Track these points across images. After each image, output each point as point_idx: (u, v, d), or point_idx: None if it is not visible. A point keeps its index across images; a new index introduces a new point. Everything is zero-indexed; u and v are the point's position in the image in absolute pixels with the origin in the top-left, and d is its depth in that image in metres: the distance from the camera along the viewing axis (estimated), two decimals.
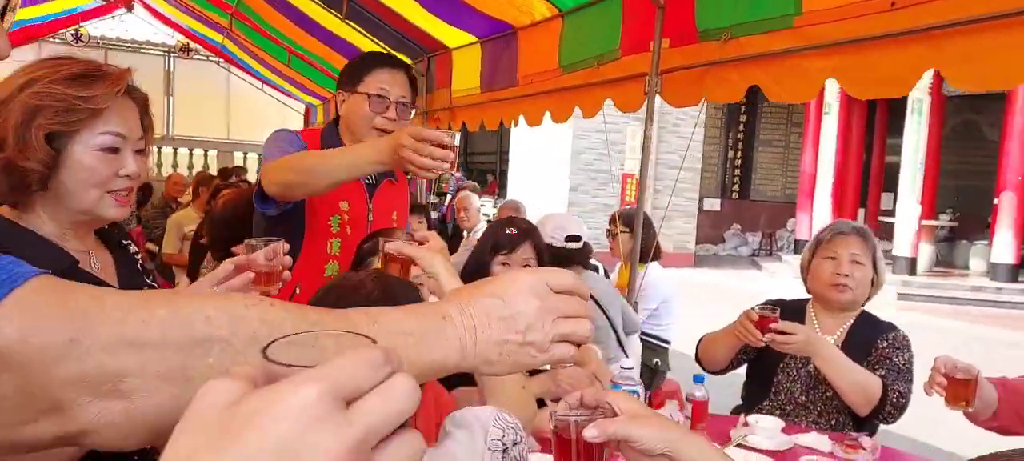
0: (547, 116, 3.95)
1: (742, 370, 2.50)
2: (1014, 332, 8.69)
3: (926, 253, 11.25)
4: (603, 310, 2.69)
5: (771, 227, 15.72)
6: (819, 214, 11.82)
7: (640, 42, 3.12)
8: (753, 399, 2.38)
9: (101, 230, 1.36)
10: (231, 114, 15.01)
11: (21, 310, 0.57)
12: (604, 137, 11.05)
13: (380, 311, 0.68)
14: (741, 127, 15.93)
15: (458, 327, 0.69)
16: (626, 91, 3.24)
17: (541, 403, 1.84)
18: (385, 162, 1.69)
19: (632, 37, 3.19)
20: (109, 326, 0.59)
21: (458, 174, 16.41)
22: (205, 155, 14.28)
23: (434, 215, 10.19)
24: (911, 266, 10.85)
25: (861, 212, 13.71)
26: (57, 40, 12.39)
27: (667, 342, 3.77)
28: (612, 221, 3.87)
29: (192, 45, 13.11)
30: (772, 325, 2.08)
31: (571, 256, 2.82)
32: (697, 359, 2.48)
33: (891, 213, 11.71)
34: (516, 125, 4.38)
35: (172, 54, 14.54)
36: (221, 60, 12.74)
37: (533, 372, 2.07)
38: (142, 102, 1.34)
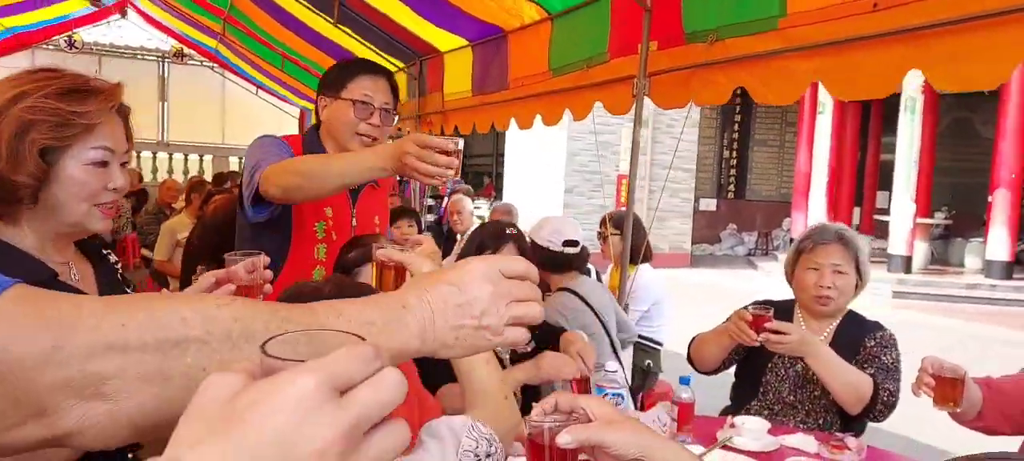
0: (538, 119, 3.95)
1: (731, 371, 2.51)
2: (1009, 330, 8.71)
3: (921, 251, 11.27)
4: (598, 316, 2.69)
5: (767, 227, 15.76)
6: (815, 213, 11.84)
7: (628, 44, 3.13)
8: (741, 400, 2.39)
9: (81, 241, 1.36)
10: (226, 119, 14.99)
11: (2, 320, 0.59)
12: (600, 139, 11.07)
13: (344, 304, 0.71)
14: (736, 127, 15.96)
15: (417, 315, 0.72)
16: (615, 93, 3.25)
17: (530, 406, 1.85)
18: (388, 168, 1.71)
19: (620, 40, 3.19)
20: (89, 332, 0.60)
21: (455, 177, 16.39)
22: (200, 160, 14.26)
23: (431, 217, 10.19)
24: (906, 264, 10.87)
25: (856, 211, 13.75)
26: (50, 47, 12.37)
27: (659, 344, 3.78)
28: (603, 223, 3.87)
29: (186, 50, 13.08)
30: (767, 325, 2.09)
31: (568, 261, 2.81)
32: (689, 360, 2.49)
33: (886, 211, 11.74)
34: (507, 128, 4.38)
35: (166, 60, 14.50)
36: (215, 65, 12.73)
37: (516, 359, 2.08)
38: (126, 115, 1.34)
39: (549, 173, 12.62)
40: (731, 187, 16.29)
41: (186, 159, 14.27)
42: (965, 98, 13.04)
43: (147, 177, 12.99)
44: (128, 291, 1.38)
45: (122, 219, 8.87)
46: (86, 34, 12.64)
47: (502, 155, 15.03)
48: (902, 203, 10.79)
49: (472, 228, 5.27)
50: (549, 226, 2.84)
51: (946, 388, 1.87)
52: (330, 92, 2.12)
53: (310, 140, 2.15)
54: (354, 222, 2.16)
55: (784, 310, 2.39)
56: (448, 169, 1.62)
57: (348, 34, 5.51)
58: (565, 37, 3.60)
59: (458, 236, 5.41)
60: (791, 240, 13.49)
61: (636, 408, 2.80)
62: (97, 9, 9.31)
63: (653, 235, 13.44)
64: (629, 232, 3.21)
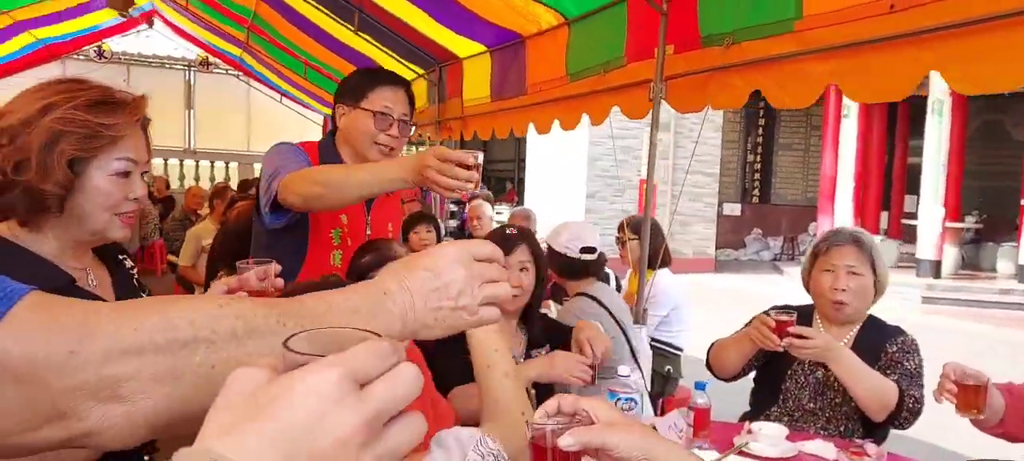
0: (556, 124, 3.96)
1: (751, 377, 2.48)
2: None
3: (951, 256, 11.06)
4: (616, 319, 2.68)
5: (793, 231, 15.57)
6: (841, 217, 11.67)
7: (645, 49, 3.12)
8: (761, 406, 2.36)
9: (98, 247, 1.39)
10: (251, 126, 15.20)
11: (20, 327, 0.61)
12: (621, 143, 11.04)
13: (330, 294, 0.75)
14: (760, 131, 15.81)
15: (398, 300, 0.76)
16: (632, 98, 3.24)
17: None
18: (408, 180, 1.73)
19: (637, 44, 3.18)
20: (104, 337, 0.63)
21: (476, 189, 16.43)
22: (226, 167, 14.47)
23: (454, 223, 10.26)
24: (935, 269, 10.68)
25: (884, 215, 13.54)
26: (81, 57, 12.64)
27: (679, 349, 3.75)
28: (620, 228, 3.86)
29: (211, 59, 13.30)
30: (790, 329, 2.06)
31: (585, 267, 2.80)
32: (708, 366, 2.46)
33: (914, 215, 11.55)
34: (526, 134, 4.39)
35: (192, 68, 14.75)
36: (240, 73, 12.92)
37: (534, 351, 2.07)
38: (146, 126, 1.37)
39: (570, 178, 12.60)
40: (756, 191, 16.13)
41: (212, 166, 14.49)
42: (995, 100, 12.79)
43: (174, 184, 13.21)
44: (143, 296, 1.40)
45: (150, 225, 9.05)
46: (115, 44, 12.91)
47: (524, 160, 15.03)
48: (930, 207, 10.60)
49: None
50: (567, 232, 2.83)
51: (969, 395, 1.83)
52: (349, 101, 2.14)
53: (326, 147, 2.17)
54: (368, 229, 2.18)
55: (803, 315, 2.36)
56: (468, 182, 1.64)
57: (368, 41, 5.56)
58: (582, 42, 3.60)
59: None
60: None
61: (656, 413, 2.78)
62: (125, 20, 9.49)
63: (676, 240, 13.35)
64: (647, 237, 3.19)
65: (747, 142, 15.91)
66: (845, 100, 11.78)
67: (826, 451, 1.99)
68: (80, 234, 1.28)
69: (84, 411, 0.62)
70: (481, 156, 1.70)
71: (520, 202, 13.90)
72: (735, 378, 2.42)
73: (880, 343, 2.24)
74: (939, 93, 10.10)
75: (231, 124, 15.06)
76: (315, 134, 11.61)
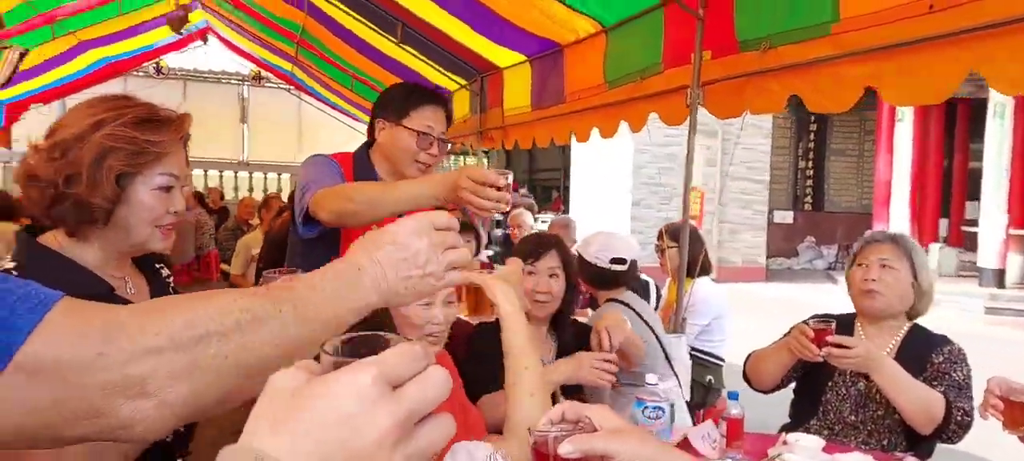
0: (595, 132, 3.95)
1: (791, 387, 2.42)
2: None
3: (1016, 264, 10.59)
4: (648, 324, 2.66)
5: (847, 239, 15.12)
6: (896, 224, 11.31)
7: (682, 55, 3.09)
8: (800, 418, 2.31)
9: (137, 256, 1.45)
10: (302, 138, 15.55)
11: (53, 331, 0.66)
12: (666, 151, 10.93)
13: (313, 277, 0.82)
14: (812, 136, 15.45)
15: (371, 273, 0.84)
16: (669, 104, 3.21)
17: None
18: (441, 199, 1.80)
19: (674, 50, 3.16)
20: (128, 339, 0.69)
21: (523, 190, 16.54)
22: (278, 178, 14.83)
23: (500, 232, 10.35)
24: (999, 278, 10.24)
25: (943, 222, 13.07)
26: (140, 74, 13.13)
27: (721, 359, 3.69)
28: (660, 236, 3.82)
29: (264, 74, 13.65)
30: (829, 338, 2.02)
31: (615, 277, 2.79)
32: (745, 377, 2.42)
33: (976, 222, 11.11)
34: (566, 142, 4.39)
35: (246, 83, 15.19)
36: (291, 87, 13.21)
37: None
38: (186, 142, 1.43)
39: (616, 186, 12.52)
40: (808, 199, 15.76)
41: (265, 177, 14.88)
42: None
43: (228, 195, 13.62)
44: None
45: (205, 236, 9.36)
46: (172, 61, 13.35)
47: (569, 169, 15.02)
48: (992, 213, 10.19)
49: None
50: (597, 242, 2.83)
51: (1016, 412, 1.76)
52: (391, 117, 2.16)
53: (361, 160, 2.20)
54: None
55: (844, 323, 2.30)
56: (499, 203, 1.71)
57: (411, 53, 5.64)
58: (620, 49, 3.59)
59: None
60: None
61: (694, 424, 2.74)
62: (180, 37, 9.83)
63: (725, 248, 13.14)
64: (685, 245, 3.15)
65: (798, 148, 15.56)
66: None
67: None
68: (123, 245, 1.34)
69: (116, 407, 0.68)
70: (511, 177, 1.76)
71: (566, 211, 13.88)
72: (773, 390, 2.37)
73: (926, 353, 2.17)
74: (1000, 95, 9.71)
75: (283, 136, 15.44)
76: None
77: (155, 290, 1.46)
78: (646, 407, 1.67)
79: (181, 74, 14.41)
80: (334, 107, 11.54)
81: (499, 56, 4.92)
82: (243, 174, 14.89)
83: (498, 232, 10.63)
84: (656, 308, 3.83)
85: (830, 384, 2.24)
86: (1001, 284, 10.24)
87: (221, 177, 14.73)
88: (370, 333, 0.55)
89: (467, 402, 1.93)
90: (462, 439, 1.64)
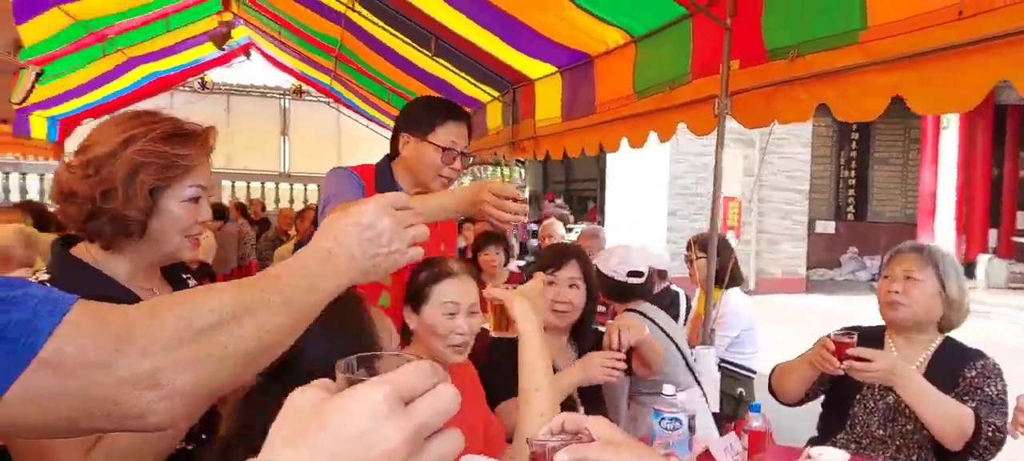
0: (624, 142, 3.94)
1: (820, 401, 2.38)
2: None
3: None
4: (666, 333, 2.66)
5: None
6: (942, 234, 11.01)
7: (711, 64, 3.08)
8: (828, 432, 2.26)
9: (165, 267, 1.50)
10: (342, 150, 15.81)
11: (73, 331, 0.71)
12: (702, 160, 10.82)
13: (292, 264, 0.89)
14: (854, 144, 15.13)
15: (340, 257, 0.90)
16: (698, 114, 3.19)
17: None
18: (462, 212, 1.92)
19: (703, 60, 3.14)
20: (140, 337, 0.75)
21: (558, 201, 16.54)
22: (318, 190, 15.07)
23: (535, 242, 10.42)
24: None
25: (993, 232, 12.66)
26: (186, 88, 13.52)
27: (752, 372, 3.63)
28: (689, 247, 3.79)
29: (304, 87, 13.94)
30: (850, 351, 1.98)
31: (632, 290, 2.81)
32: (770, 390, 2.39)
33: None
34: (596, 152, 4.39)
35: (287, 96, 15.52)
36: (330, 100, 13.48)
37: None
38: (209, 154, 1.48)
39: (652, 196, 12.43)
40: (851, 208, 15.42)
41: (306, 189, 15.15)
42: None
43: (269, 206, 13.90)
44: None
45: (247, 246, 9.55)
46: (216, 75, 13.74)
47: (605, 179, 14.96)
48: None
49: None
50: (616, 256, 2.85)
51: None
52: (416, 132, 2.21)
53: (382, 172, 2.24)
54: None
55: (873, 336, 2.26)
56: (517, 214, 1.81)
57: (445, 66, 5.72)
58: (649, 60, 3.59)
59: None
60: None
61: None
62: (224, 53, 10.11)
63: (764, 259, 12.90)
64: (714, 255, 3.12)
65: (840, 157, 15.25)
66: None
67: None
68: (155, 256, 1.39)
69: (131, 398, 0.73)
70: (527, 191, 1.86)
71: (601, 221, 13.83)
72: (799, 403, 2.33)
73: (958, 367, 2.11)
74: None
75: (323, 148, 15.71)
76: None
77: None
78: (663, 418, 1.67)
79: (225, 88, 14.80)
80: (371, 119, 11.73)
81: (530, 68, 4.95)
82: (284, 185, 15.20)
83: (533, 243, 10.72)
84: (686, 319, 3.79)
85: (858, 397, 2.19)
86: None
87: (263, 188, 15.05)
88: (387, 353, 0.58)
89: (490, 414, 1.95)
90: (483, 450, 1.65)
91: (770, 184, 12.17)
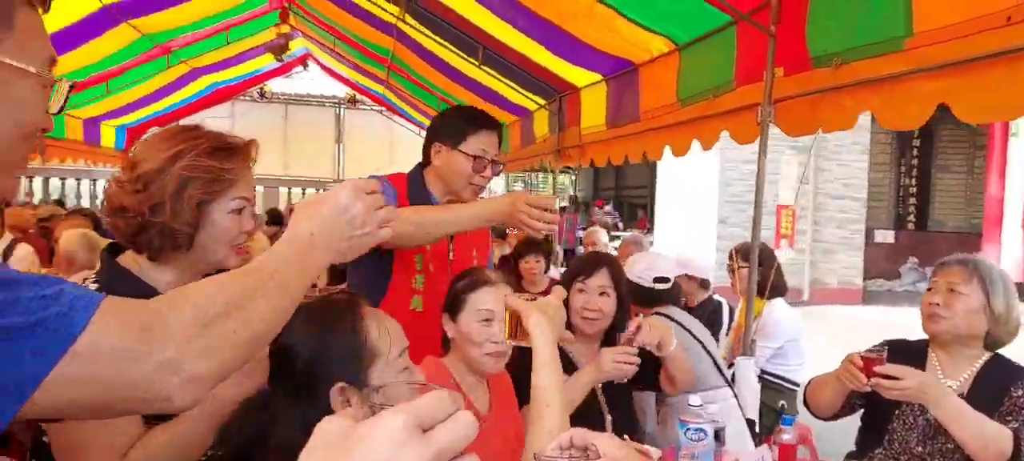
0: (667, 150, 3.93)
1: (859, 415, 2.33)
2: None
3: None
4: (696, 337, 2.66)
5: None
6: (1009, 245, 10.55)
7: (754, 72, 3.05)
8: (866, 447, 2.21)
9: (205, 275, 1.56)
10: (394, 158, 16.05)
11: (106, 325, 0.81)
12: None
13: (280, 249, 0.98)
14: (915, 152, 14.62)
15: (318, 240, 1.01)
16: (741, 122, 3.16)
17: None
18: (496, 220, 2.00)
19: (746, 67, 3.12)
20: (164, 328, 0.84)
21: (607, 208, 16.45)
22: None
23: (581, 249, 10.41)
24: None
25: None
26: (247, 98, 13.96)
27: (796, 384, 3.56)
28: (731, 256, 3.74)
29: (358, 97, 14.23)
30: (877, 368, 1.94)
31: (658, 296, 2.83)
32: (805, 403, 2.35)
33: None
34: (640, 160, 4.38)
35: (342, 105, 15.86)
36: (383, 109, 13.73)
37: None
38: (251, 166, 1.54)
39: (702, 204, 12.26)
40: (911, 217, 14.89)
41: None
42: None
43: None
44: None
45: None
46: (275, 85, 14.14)
47: (656, 186, 14.82)
48: None
49: None
50: (643, 263, 2.90)
51: None
52: (448, 141, 2.25)
53: (415, 181, 2.29)
54: (451, 256, 2.28)
55: (916, 351, 2.20)
56: (551, 225, 1.90)
57: (492, 75, 5.78)
58: (692, 67, 3.57)
59: None
60: None
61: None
62: (282, 63, 10.41)
63: (819, 269, 12.56)
64: (755, 265, 3.08)
65: (900, 164, 14.75)
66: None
67: None
68: (201, 265, 1.45)
69: (157, 383, 0.83)
70: (557, 202, 1.98)
71: (651, 229, 13.70)
72: (834, 417, 2.28)
73: (1005, 385, 2.04)
74: None
75: (375, 156, 15.98)
76: None
77: None
78: (689, 429, 1.66)
79: (283, 98, 15.22)
80: (421, 127, 11.90)
81: (576, 76, 4.97)
82: None
83: (580, 249, 10.73)
84: (728, 329, 3.74)
85: (897, 413, 2.14)
86: None
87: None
88: (393, 382, 0.62)
89: (523, 429, 1.97)
90: (516, 455, 1.67)
91: (826, 192, 11.87)
